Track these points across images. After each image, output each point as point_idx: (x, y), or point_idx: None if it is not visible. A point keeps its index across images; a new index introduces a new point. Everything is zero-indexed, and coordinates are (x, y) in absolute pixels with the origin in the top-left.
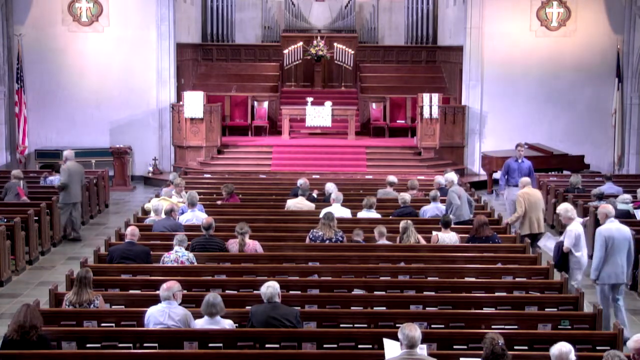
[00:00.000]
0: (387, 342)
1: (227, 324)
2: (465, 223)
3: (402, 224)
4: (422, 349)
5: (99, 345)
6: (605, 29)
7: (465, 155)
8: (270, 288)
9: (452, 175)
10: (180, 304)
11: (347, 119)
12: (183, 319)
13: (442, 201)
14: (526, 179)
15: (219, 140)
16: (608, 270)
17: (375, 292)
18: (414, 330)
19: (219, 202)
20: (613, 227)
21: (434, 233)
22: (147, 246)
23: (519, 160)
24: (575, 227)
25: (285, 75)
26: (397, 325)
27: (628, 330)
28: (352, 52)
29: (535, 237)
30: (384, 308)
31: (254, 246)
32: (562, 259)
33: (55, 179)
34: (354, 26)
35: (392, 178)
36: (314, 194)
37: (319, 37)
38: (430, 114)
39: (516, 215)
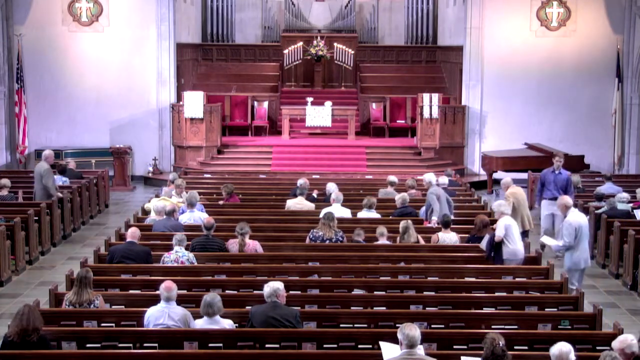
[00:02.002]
0: (383, 345)
1: (227, 323)
2: None
3: (402, 223)
4: (419, 349)
5: (99, 345)
6: (605, 29)
7: (465, 155)
8: (268, 288)
9: (430, 177)
10: (179, 304)
11: (347, 119)
12: (183, 318)
13: None
14: (508, 179)
15: (219, 140)
16: (579, 257)
17: (375, 292)
18: (414, 330)
19: (221, 202)
20: (579, 217)
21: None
22: (147, 246)
23: (556, 172)
24: (506, 220)
25: (285, 75)
26: (397, 325)
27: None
28: (352, 52)
29: (525, 234)
30: (384, 308)
31: (254, 246)
32: (494, 250)
33: (57, 179)
34: (354, 26)
35: (392, 178)
36: (314, 194)
37: (319, 37)
38: (430, 114)
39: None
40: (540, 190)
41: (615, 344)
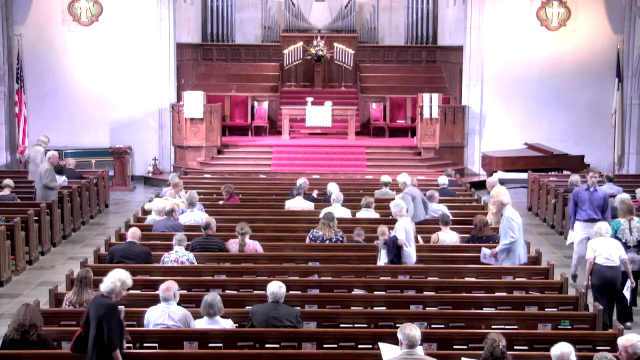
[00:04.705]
0: (382, 346)
1: (227, 323)
2: (420, 223)
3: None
4: (419, 349)
5: None
6: (605, 29)
7: (465, 155)
8: (283, 288)
9: (404, 177)
10: (179, 304)
11: (347, 119)
12: (183, 318)
13: (441, 201)
14: (494, 179)
15: (219, 140)
16: (518, 252)
17: (375, 292)
18: (414, 329)
19: (221, 202)
20: (516, 213)
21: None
22: (147, 246)
23: (591, 189)
24: (404, 223)
25: (285, 75)
26: (397, 325)
27: None
28: (352, 52)
29: None
30: (384, 308)
31: (254, 246)
32: (395, 254)
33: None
34: (354, 26)
35: (386, 178)
36: (314, 194)
37: (319, 37)
38: (430, 114)
39: (492, 214)
40: (573, 210)
41: (621, 340)
